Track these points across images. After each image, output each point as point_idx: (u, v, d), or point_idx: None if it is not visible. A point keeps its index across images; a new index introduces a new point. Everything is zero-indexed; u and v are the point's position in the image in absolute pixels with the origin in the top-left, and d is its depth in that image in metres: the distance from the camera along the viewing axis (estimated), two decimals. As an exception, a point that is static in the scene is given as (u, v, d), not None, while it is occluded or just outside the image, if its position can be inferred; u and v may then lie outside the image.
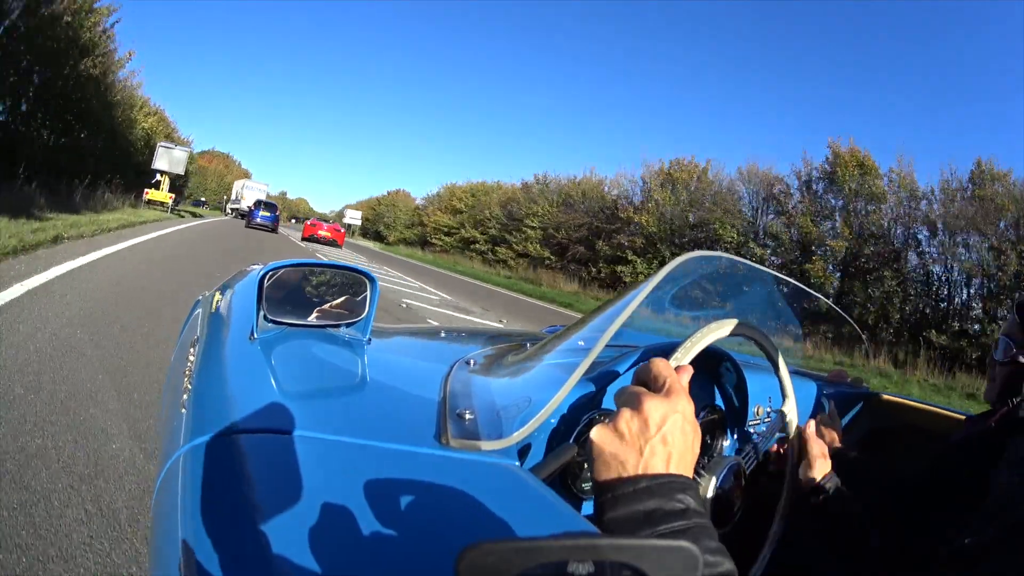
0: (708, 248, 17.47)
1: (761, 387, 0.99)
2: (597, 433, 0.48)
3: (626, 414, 0.48)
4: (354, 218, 48.48)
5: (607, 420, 0.50)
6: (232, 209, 37.73)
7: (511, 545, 0.27)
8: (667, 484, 0.45)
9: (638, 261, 20.11)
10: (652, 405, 0.48)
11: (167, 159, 20.90)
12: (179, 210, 22.41)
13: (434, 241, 34.05)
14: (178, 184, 33.73)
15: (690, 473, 0.48)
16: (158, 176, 20.77)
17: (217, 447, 0.55)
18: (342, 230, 24.58)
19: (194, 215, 24.94)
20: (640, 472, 0.46)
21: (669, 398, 0.49)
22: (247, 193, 35.29)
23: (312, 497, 0.46)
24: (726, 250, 15.81)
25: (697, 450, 0.49)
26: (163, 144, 21.36)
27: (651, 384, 0.52)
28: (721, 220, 18.40)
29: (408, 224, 42.93)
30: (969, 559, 0.62)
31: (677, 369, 0.55)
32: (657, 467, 0.46)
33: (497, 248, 28.02)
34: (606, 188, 24.72)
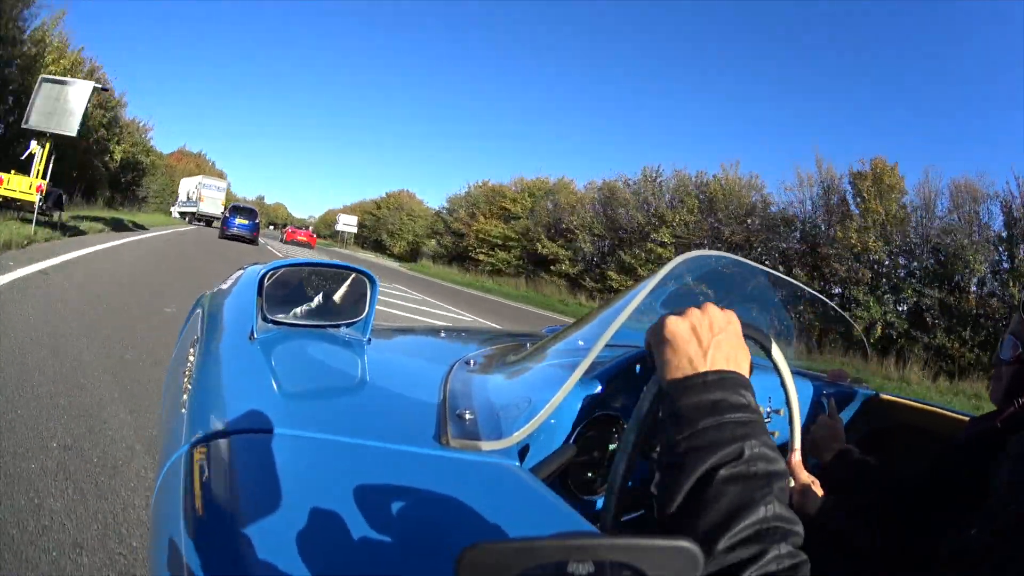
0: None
1: (761, 387, 0.99)
2: (671, 320, 0.53)
3: (695, 312, 0.54)
4: (348, 224, 40.30)
5: (679, 313, 0.55)
6: (181, 213, 29.43)
7: (511, 545, 0.27)
8: (731, 379, 0.50)
9: (872, 303, 12.82)
10: (715, 311, 0.54)
11: (50, 107, 10.06)
12: (53, 217, 10.00)
13: (479, 257, 24.23)
14: (122, 181, 23.26)
15: (746, 374, 0.53)
16: (32, 144, 10.02)
17: (217, 447, 0.55)
18: (314, 235, 31.15)
19: (124, 225, 14.03)
20: (706, 362, 0.51)
21: (726, 312, 0.55)
22: (205, 193, 27.34)
23: (312, 497, 0.46)
24: (975, 287, 12.58)
25: (748, 362, 0.55)
26: (47, 78, 10.67)
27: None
28: (971, 247, 12.55)
29: (429, 233, 32.74)
30: (972, 556, 0.62)
31: None
32: (720, 360, 0.51)
33: (606, 271, 18.35)
34: (744, 190, 16.98)
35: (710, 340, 0.52)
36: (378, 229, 41.45)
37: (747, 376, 0.53)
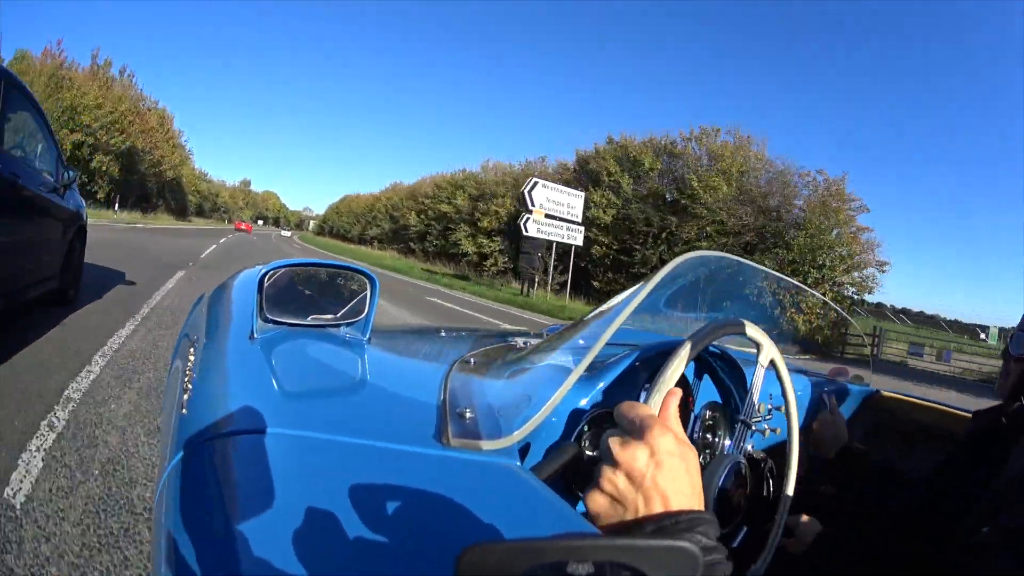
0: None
1: (762, 385, 0.99)
2: (589, 500, 0.47)
3: (607, 473, 0.46)
4: (562, 227, 14.51)
5: (593, 484, 0.48)
6: None
7: (511, 545, 0.28)
8: (672, 526, 0.43)
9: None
10: (627, 454, 0.46)
11: None
12: None
13: None
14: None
15: (697, 502, 0.45)
16: None
17: (217, 447, 0.55)
18: (251, 224, 47.35)
19: None
20: (639, 516, 0.44)
21: (643, 438, 0.46)
22: None
23: (312, 497, 0.46)
24: None
25: (695, 474, 0.47)
26: None
27: (626, 428, 0.50)
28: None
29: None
30: (991, 547, 0.62)
31: (667, 396, 0.54)
32: (655, 507, 0.44)
33: None
34: None
35: (635, 500, 0.44)
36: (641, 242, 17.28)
37: (697, 502, 0.45)
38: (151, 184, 28.25)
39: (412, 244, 28.80)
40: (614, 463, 0.46)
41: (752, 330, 0.75)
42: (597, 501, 0.46)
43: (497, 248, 17.21)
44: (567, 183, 16.32)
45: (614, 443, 0.47)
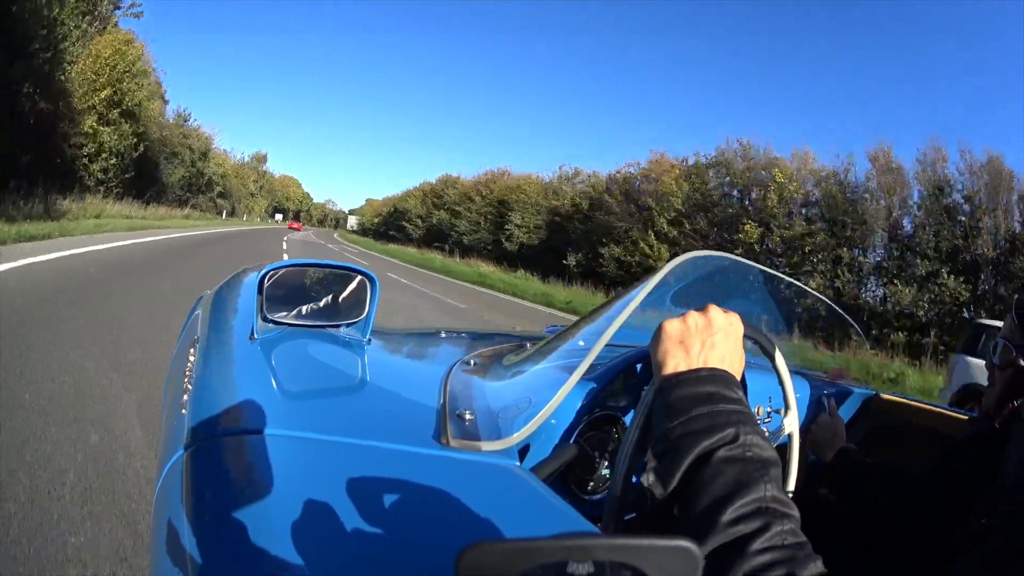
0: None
1: (761, 387, 0.99)
2: (667, 322, 0.55)
3: (694, 314, 0.55)
4: None
5: (678, 315, 0.56)
6: None
7: (511, 545, 0.27)
8: (724, 376, 0.52)
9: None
10: (716, 313, 0.55)
11: None
12: None
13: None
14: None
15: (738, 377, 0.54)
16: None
17: (217, 448, 0.55)
18: (302, 224, 52.60)
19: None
20: (700, 360, 0.52)
21: (729, 315, 0.56)
22: None
23: (313, 498, 0.46)
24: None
25: (742, 366, 0.56)
26: None
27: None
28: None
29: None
30: (984, 538, 0.62)
31: None
32: (714, 360, 0.53)
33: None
34: None
35: (706, 339, 0.53)
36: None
37: (739, 379, 0.54)
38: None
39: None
40: (703, 310, 0.55)
41: (782, 364, 0.76)
42: (674, 324, 0.55)
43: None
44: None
45: (707, 304, 0.57)
